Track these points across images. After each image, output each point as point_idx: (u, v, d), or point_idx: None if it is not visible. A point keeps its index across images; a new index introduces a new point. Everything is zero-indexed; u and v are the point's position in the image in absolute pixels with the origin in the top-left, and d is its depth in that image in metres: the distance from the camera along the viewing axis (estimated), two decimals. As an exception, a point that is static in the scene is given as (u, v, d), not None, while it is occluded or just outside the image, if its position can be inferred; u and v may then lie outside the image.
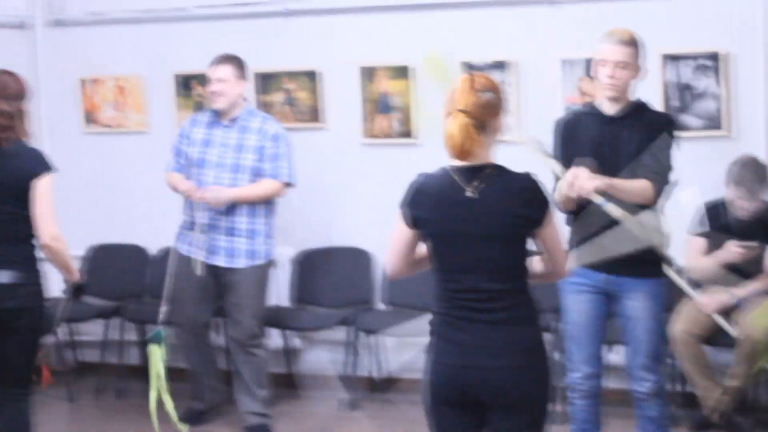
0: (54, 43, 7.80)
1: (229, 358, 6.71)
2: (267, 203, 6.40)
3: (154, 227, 7.46)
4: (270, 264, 6.53)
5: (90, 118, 7.80)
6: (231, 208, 6.29)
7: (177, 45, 7.43)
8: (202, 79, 6.95)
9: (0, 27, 7.56)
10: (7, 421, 5.10)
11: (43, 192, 4.97)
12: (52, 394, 7.21)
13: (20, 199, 4.97)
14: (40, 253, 5.07)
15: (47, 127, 7.81)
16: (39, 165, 5.00)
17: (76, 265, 5.26)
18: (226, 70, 6.33)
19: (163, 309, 6.36)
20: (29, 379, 5.20)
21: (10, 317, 4.96)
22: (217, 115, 6.42)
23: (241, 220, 6.32)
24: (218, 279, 6.41)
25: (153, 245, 7.49)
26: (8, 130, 4.98)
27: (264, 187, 6.34)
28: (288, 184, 6.43)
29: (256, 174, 6.33)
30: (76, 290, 5.29)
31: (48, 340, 7.45)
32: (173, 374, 6.28)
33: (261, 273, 6.45)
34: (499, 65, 6.84)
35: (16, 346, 5.01)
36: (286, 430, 6.56)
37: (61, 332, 7.44)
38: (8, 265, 4.96)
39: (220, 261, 6.35)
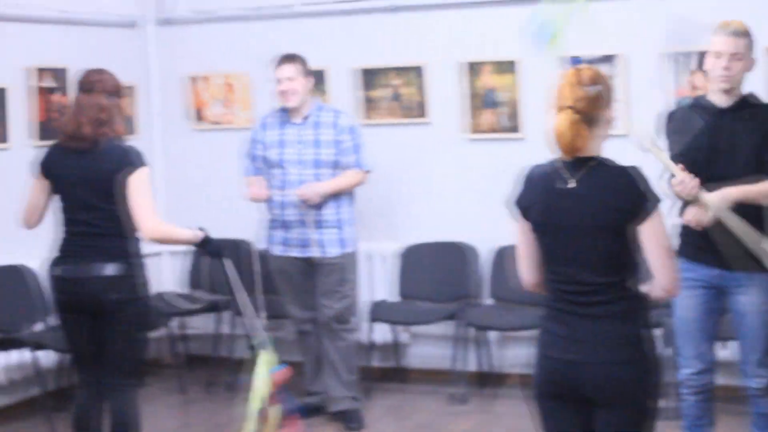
0: (164, 42, 7.92)
1: (319, 344, 6.72)
2: (349, 193, 6.51)
3: (257, 222, 7.54)
4: (356, 251, 6.60)
5: (199, 115, 7.91)
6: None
7: (284, 42, 7.47)
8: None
9: (111, 26, 7.68)
10: (115, 411, 5.20)
11: (136, 187, 5.07)
12: (163, 387, 7.33)
13: (110, 194, 5.05)
14: (143, 247, 5.18)
15: (157, 124, 7.94)
16: (125, 162, 5.08)
17: (188, 233, 5.25)
18: (293, 69, 6.41)
19: (263, 314, 6.43)
20: (136, 371, 5.29)
21: (114, 309, 5.06)
22: (286, 114, 6.50)
23: (329, 212, 6.42)
24: (312, 270, 6.49)
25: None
26: (106, 125, 5.09)
27: (350, 177, 6.45)
28: (367, 171, 6.54)
29: (335, 167, 6.43)
30: (203, 247, 5.32)
31: (159, 333, 7.62)
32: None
33: (350, 259, 6.54)
34: (607, 59, 6.78)
35: (120, 338, 5.11)
36: (394, 425, 6.59)
37: (173, 325, 7.55)
38: (111, 259, 5.07)
39: (314, 252, 6.44)
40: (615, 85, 5.21)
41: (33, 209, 5.21)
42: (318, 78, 7.42)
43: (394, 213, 7.09)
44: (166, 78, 7.92)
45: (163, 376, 7.53)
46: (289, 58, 6.45)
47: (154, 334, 7.57)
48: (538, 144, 4.13)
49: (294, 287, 6.60)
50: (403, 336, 7.43)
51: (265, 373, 6.03)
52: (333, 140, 6.41)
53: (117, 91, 5.19)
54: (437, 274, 7.24)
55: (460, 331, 7.02)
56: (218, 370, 7.41)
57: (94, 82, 5.14)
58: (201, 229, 5.24)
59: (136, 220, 5.05)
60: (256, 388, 6.10)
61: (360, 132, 6.55)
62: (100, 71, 5.21)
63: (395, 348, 7.40)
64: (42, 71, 7.10)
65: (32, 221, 5.24)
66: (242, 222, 7.55)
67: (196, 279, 7.71)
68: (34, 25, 7.08)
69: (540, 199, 3.81)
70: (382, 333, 7.28)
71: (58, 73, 7.13)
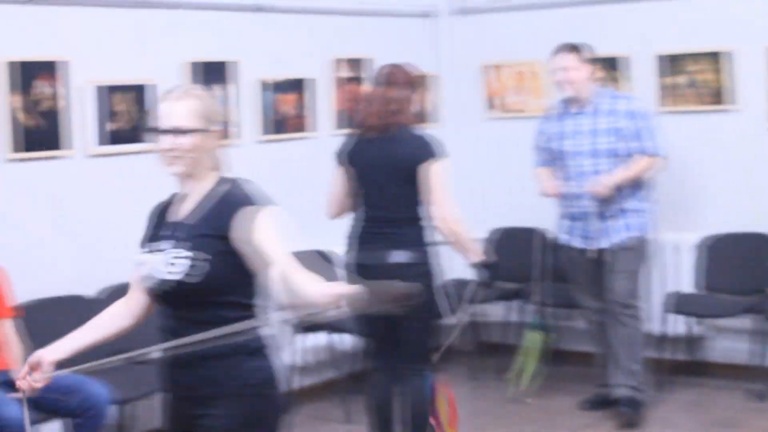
0: (457, 31, 7.98)
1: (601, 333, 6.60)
2: (639, 180, 6.34)
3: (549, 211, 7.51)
4: (648, 238, 6.43)
5: (491, 104, 7.93)
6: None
7: (579, 29, 7.35)
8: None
9: (405, 16, 7.80)
10: (406, 396, 5.28)
11: (436, 177, 5.13)
12: (456, 372, 7.39)
13: (408, 182, 5.16)
14: (434, 235, 5.23)
15: (449, 113, 8.00)
16: (425, 151, 5.16)
17: (476, 246, 5.34)
18: (569, 58, 6.31)
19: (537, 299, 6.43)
20: (426, 358, 5.36)
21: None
22: (569, 104, 6.40)
23: (624, 200, 6.29)
24: (600, 260, 6.38)
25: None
26: (397, 115, 5.18)
27: (640, 165, 6.29)
28: (660, 158, 6.34)
29: (615, 155, 6.27)
30: (484, 271, 5.37)
31: (453, 320, 7.68)
32: (578, 357, 6.29)
33: (637, 246, 6.37)
34: None
35: (410, 324, 5.19)
36: (691, 419, 6.43)
37: (466, 313, 7.59)
38: (402, 246, 5.16)
39: (601, 243, 6.34)
40: None
41: (337, 199, 5.36)
42: (617, 65, 7.32)
43: (692, 202, 6.89)
44: (459, 67, 7.97)
45: (455, 363, 7.58)
46: (566, 48, 6.37)
47: (448, 322, 7.66)
48: None
49: (583, 278, 6.52)
50: (698, 329, 7.22)
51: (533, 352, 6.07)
52: (611, 128, 6.28)
53: (411, 83, 5.30)
54: (737, 266, 7.00)
55: (760, 325, 6.76)
56: (509, 358, 7.40)
57: (390, 75, 5.28)
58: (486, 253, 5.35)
59: (433, 209, 5.13)
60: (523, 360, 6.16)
61: (650, 117, 6.39)
62: (394, 65, 5.35)
63: (689, 341, 7.20)
64: (340, 62, 7.29)
65: (337, 211, 5.38)
66: (535, 211, 7.52)
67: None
68: (335, 17, 7.27)
69: None
70: (675, 325, 7.10)
71: (357, 64, 7.30)
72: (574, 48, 6.37)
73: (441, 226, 5.17)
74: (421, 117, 7.71)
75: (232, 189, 3.38)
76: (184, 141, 3.32)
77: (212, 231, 3.29)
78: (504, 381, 7.11)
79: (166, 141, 3.33)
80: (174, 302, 3.31)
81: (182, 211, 3.39)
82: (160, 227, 3.40)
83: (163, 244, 3.34)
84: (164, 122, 3.35)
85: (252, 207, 3.31)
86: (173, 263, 3.28)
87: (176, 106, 3.34)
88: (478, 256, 5.36)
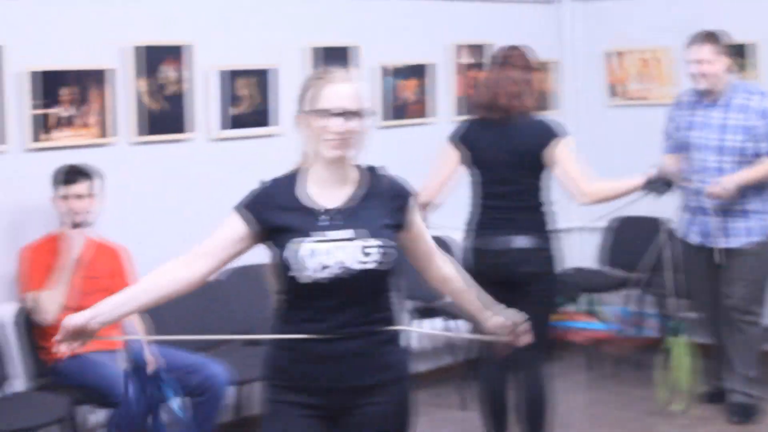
0: (581, 17, 7.90)
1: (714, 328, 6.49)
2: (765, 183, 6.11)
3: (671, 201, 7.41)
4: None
5: (614, 91, 7.84)
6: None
7: (708, 14, 7.19)
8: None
9: (530, 2, 7.75)
10: (526, 386, 5.26)
11: (564, 156, 5.11)
12: (572, 363, 7.36)
13: (532, 168, 5.15)
14: (555, 221, 5.21)
15: (571, 100, 7.94)
16: (548, 134, 5.15)
17: (628, 181, 5.32)
18: (705, 50, 6.05)
19: (672, 300, 6.30)
20: (544, 346, 5.33)
21: (525, 281, 5.12)
22: (701, 95, 6.19)
23: (748, 200, 6.09)
24: (719, 259, 6.21)
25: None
26: (519, 98, 5.15)
27: (766, 167, 6.04)
28: None
29: (742, 154, 6.03)
30: (651, 187, 5.34)
31: (569, 308, 7.65)
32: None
33: (762, 250, 6.15)
34: None
35: (531, 311, 5.15)
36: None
37: (583, 302, 7.55)
38: (524, 231, 5.14)
39: (719, 243, 6.16)
40: None
41: (441, 182, 5.30)
42: (744, 52, 7.16)
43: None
44: (582, 54, 7.90)
45: (571, 353, 7.54)
46: (704, 38, 6.08)
47: (564, 310, 7.63)
48: None
49: (697, 274, 6.35)
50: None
51: (685, 360, 5.93)
52: (741, 126, 6.04)
53: (529, 67, 5.27)
54: None
55: None
56: (625, 348, 7.33)
57: (508, 57, 5.26)
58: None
59: (574, 187, 5.11)
60: (675, 371, 6.04)
61: None
62: (514, 47, 5.33)
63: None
64: (461, 48, 7.28)
65: (434, 195, 5.30)
66: (661, 200, 7.43)
67: (607, 255, 7.68)
68: (457, 2, 7.26)
69: None
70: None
71: (477, 50, 7.28)
72: (711, 37, 6.07)
73: (589, 199, 5.14)
74: (541, 102, 7.72)
75: (387, 177, 3.42)
76: (355, 124, 3.28)
77: (390, 220, 3.34)
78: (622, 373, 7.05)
79: (337, 124, 3.26)
80: (351, 292, 3.27)
81: (334, 198, 3.32)
82: (310, 214, 3.30)
83: (336, 233, 3.27)
84: (334, 104, 3.28)
85: (413, 197, 3.44)
86: (368, 252, 3.27)
87: (347, 89, 3.29)
88: (638, 181, 5.30)
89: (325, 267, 3.23)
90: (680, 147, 6.27)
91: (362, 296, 3.29)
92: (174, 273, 3.34)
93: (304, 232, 3.26)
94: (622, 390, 6.91)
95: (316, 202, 3.31)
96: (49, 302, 5.19)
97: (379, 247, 3.27)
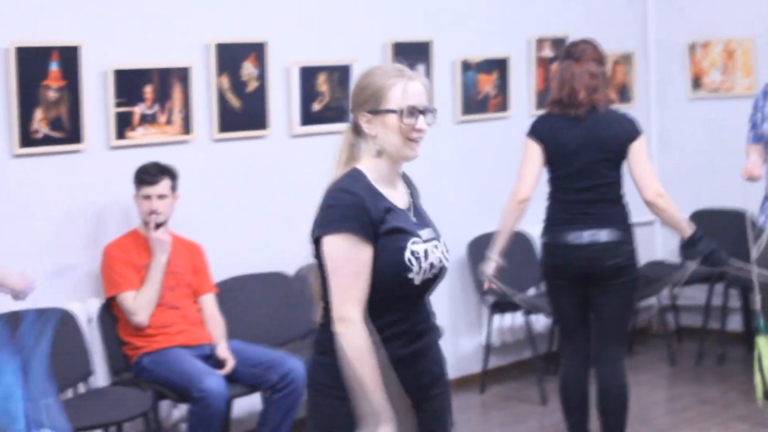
0: (664, 9, 7.82)
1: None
2: None
3: (760, 193, 7.30)
4: None
5: (696, 83, 7.75)
6: None
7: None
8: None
9: (614, -6, 7.70)
10: (604, 380, 5.25)
11: (640, 152, 5.10)
12: (652, 357, 7.31)
13: (616, 161, 5.14)
14: (631, 215, 5.19)
15: (654, 92, 7.87)
16: (633, 129, 5.14)
17: (686, 224, 5.24)
18: None
19: (758, 297, 6.19)
20: (625, 339, 5.31)
21: (610, 275, 5.11)
22: None
23: None
24: None
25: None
26: (596, 92, 5.12)
27: None
28: None
29: None
30: (689, 247, 5.26)
31: (650, 302, 7.60)
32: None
33: None
34: None
35: (614, 304, 5.16)
36: None
37: (664, 296, 7.50)
38: (608, 224, 5.12)
39: None
40: None
41: (534, 179, 5.22)
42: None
43: None
44: (665, 45, 7.82)
45: (652, 347, 7.50)
46: None
47: (644, 304, 7.58)
48: None
49: None
50: None
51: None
52: None
53: (602, 60, 5.25)
54: None
55: None
56: (709, 343, 7.27)
57: (583, 50, 5.22)
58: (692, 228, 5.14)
59: (641, 184, 5.08)
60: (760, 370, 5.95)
61: None
62: (585, 41, 5.29)
63: None
64: (542, 41, 7.24)
65: (530, 193, 5.24)
66: (741, 192, 7.33)
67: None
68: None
69: None
70: None
71: (557, 43, 7.24)
72: None
73: (649, 200, 5.11)
74: (622, 95, 7.67)
75: (406, 176, 3.40)
76: (427, 123, 3.26)
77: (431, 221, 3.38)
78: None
79: (422, 122, 3.23)
80: (429, 290, 3.30)
81: (401, 198, 3.30)
82: (405, 215, 3.26)
83: (425, 233, 3.27)
84: (421, 101, 3.23)
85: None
86: (448, 250, 3.32)
87: (423, 87, 3.26)
88: (686, 232, 5.23)
89: (432, 266, 3.23)
90: (762, 138, 6.16)
91: (427, 294, 3.31)
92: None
93: (414, 233, 3.22)
94: (704, 385, 6.85)
95: (388, 203, 3.24)
96: (143, 304, 5.29)
97: (445, 245, 3.31)
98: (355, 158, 3.28)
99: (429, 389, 3.33)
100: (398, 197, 3.28)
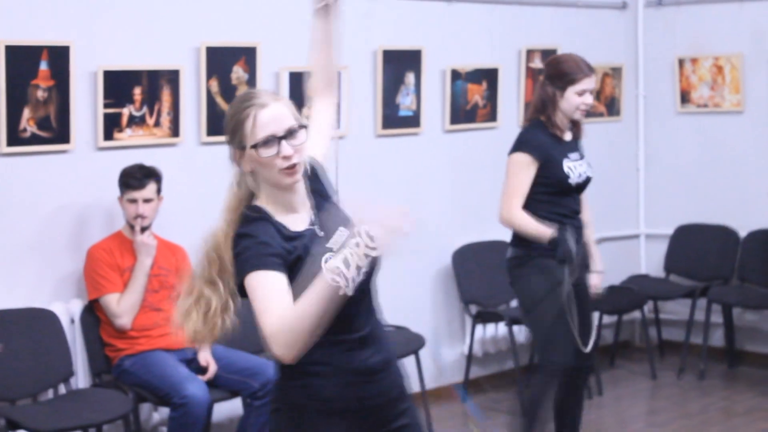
0: (654, 23, 7.83)
1: None
2: None
3: (745, 210, 7.33)
4: None
5: (685, 97, 7.76)
6: None
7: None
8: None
9: (603, 8, 7.69)
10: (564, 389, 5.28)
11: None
12: (634, 370, 7.32)
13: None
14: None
15: (643, 106, 7.88)
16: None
17: (539, 229, 5.06)
18: None
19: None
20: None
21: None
22: None
23: None
24: None
25: (743, 228, 7.34)
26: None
27: None
28: None
29: None
30: (551, 248, 5.08)
31: (632, 316, 7.62)
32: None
33: None
34: None
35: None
36: None
37: (647, 309, 7.51)
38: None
39: None
40: None
41: (524, 197, 5.16)
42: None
43: None
44: (654, 60, 7.83)
45: (634, 360, 7.51)
46: None
47: (626, 317, 7.60)
48: None
49: None
50: None
51: None
52: None
53: (552, 75, 5.25)
54: None
55: None
56: (690, 357, 7.28)
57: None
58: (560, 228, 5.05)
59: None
60: None
61: None
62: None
63: None
64: (531, 52, 7.25)
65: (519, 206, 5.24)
66: (728, 208, 7.37)
67: (672, 264, 7.62)
68: (528, 7, 7.23)
69: None
70: None
71: (547, 54, 7.25)
72: None
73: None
74: (612, 109, 7.68)
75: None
76: (300, 138, 3.11)
77: None
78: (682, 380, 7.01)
79: (286, 148, 3.08)
80: (367, 294, 3.23)
81: (301, 220, 3.17)
82: (305, 238, 3.14)
83: (336, 240, 3.17)
84: (275, 129, 3.07)
85: None
86: (373, 239, 2.97)
87: (277, 110, 3.11)
88: (544, 234, 5.04)
89: (359, 270, 2.89)
90: None
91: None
92: None
93: (323, 251, 3.05)
94: (685, 399, 6.86)
95: (298, 228, 3.11)
96: (127, 308, 5.28)
97: (368, 234, 2.91)
98: (252, 193, 3.14)
99: (398, 404, 3.22)
100: (300, 219, 3.13)
